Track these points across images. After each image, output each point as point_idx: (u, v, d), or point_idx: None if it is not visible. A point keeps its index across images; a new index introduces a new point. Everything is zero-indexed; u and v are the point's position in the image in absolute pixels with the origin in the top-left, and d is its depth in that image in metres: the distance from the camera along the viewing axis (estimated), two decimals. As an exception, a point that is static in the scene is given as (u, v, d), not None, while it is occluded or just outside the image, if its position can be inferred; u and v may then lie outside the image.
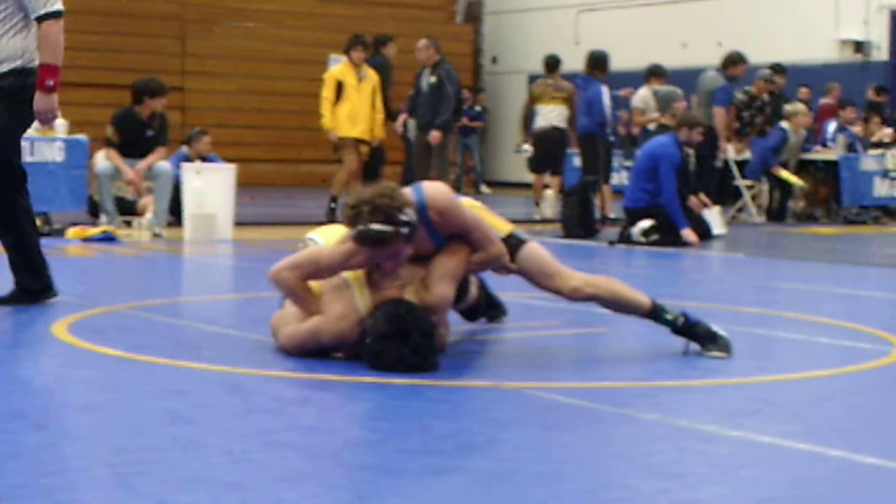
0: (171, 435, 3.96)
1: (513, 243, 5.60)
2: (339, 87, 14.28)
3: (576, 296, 5.61)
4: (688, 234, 11.96)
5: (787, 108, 16.90)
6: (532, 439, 4.01)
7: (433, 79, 14.60)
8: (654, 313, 5.67)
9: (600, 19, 25.03)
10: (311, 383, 4.87)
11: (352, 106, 14.19)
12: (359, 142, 14.24)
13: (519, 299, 7.40)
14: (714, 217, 13.09)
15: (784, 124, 16.61)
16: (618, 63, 21.84)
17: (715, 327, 5.65)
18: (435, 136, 14.37)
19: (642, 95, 16.15)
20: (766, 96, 16.99)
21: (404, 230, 5.02)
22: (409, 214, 5.05)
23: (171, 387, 4.77)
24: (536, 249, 5.65)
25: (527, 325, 6.57)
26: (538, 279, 5.62)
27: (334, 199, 14.10)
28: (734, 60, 15.41)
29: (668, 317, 5.64)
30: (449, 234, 5.32)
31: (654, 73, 16.24)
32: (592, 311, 7.16)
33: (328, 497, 3.31)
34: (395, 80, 15.11)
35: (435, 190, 5.31)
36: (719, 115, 15.20)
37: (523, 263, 5.59)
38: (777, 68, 17.73)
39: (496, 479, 3.51)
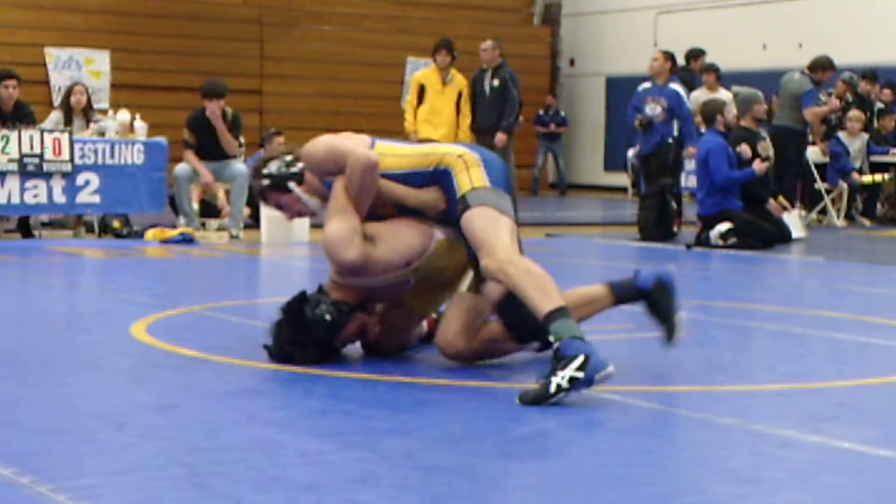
0: (247, 435, 3.98)
1: (460, 207, 5.10)
2: (423, 91, 14.33)
3: (484, 274, 5.03)
4: (759, 165, 12.10)
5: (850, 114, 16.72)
6: (607, 443, 3.99)
7: (496, 81, 14.54)
8: (545, 322, 4.68)
9: (679, 21, 24.87)
10: (386, 385, 4.87)
11: (431, 109, 14.21)
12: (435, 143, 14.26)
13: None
14: (794, 220, 12.96)
15: (840, 133, 16.46)
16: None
17: (580, 373, 4.48)
18: (501, 138, 14.31)
19: (700, 98, 15.94)
20: (849, 97, 16.78)
21: (265, 182, 5.44)
22: (270, 167, 5.42)
23: (247, 387, 4.80)
24: (474, 216, 5.02)
25: (602, 329, 6.53)
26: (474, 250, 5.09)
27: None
28: (823, 66, 15.24)
29: (550, 337, 4.65)
30: (323, 173, 5.33)
31: (706, 70, 16.09)
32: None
33: (402, 499, 3.31)
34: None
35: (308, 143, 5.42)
36: (813, 116, 15.08)
37: (463, 231, 5.08)
38: (869, 75, 17.47)
39: (570, 482, 3.49)
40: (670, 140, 13.58)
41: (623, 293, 5.38)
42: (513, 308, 5.00)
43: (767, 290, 9.12)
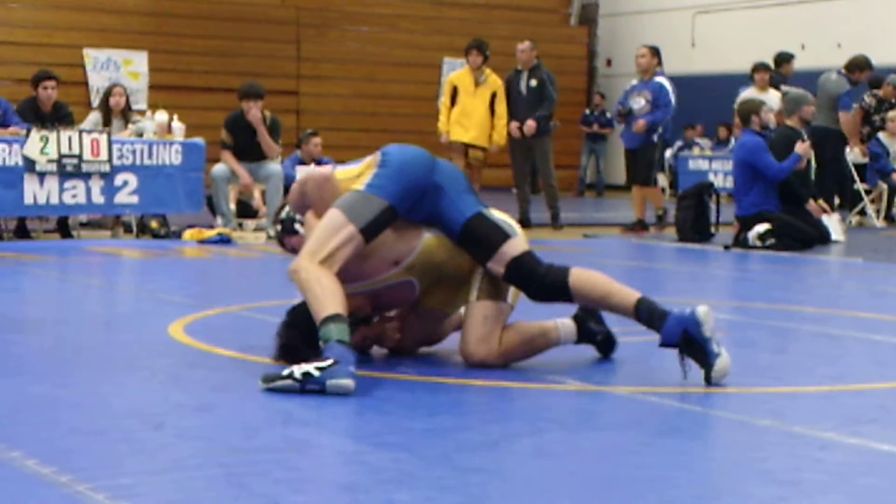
0: (284, 436, 3.99)
1: None
2: (455, 92, 14.35)
3: None
4: (802, 146, 12.14)
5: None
6: (644, 445, 3.98)
7: (534, 81, 14.53)
8: (319, 327, 4.74)
9: (717, 21, 24.79)
10: (423, 385, 4.87)
11: (462, 110, 14.23)
12: (470, 147, 14.27)
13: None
14: (834, 224, 12.89)
15: (880, 133, 16.35)
16: (734, 65, 21.66)
17: (317, 372, 4.58)
18: (531, 125, 14.27)
19: (750, 96, 15.88)
20: (893, 99, 16.68)
21: (277, 228, 5.61)
22: (281, 214, 5.56)
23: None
24: (324, 216, 5.06)
25: (639, 330, 6.51)
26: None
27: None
28: (861, 66, 15.17)
29: (320, 342, 4.70)
30: (305, 207, 5.37)
31: (758, 69, 16.01)
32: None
33: (439, 500, 3.31)
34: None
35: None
36: (845, 121, 15.00)
37: None
38: None
39: (608, 483, 3.48)
40: (655, 138, 13.66)
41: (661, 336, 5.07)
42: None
43: (806, 291, 9.07)
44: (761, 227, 11.86)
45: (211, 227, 12.16)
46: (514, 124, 14.64)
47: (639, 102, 13.80)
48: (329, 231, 4.97)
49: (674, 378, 5.20)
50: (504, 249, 5.07)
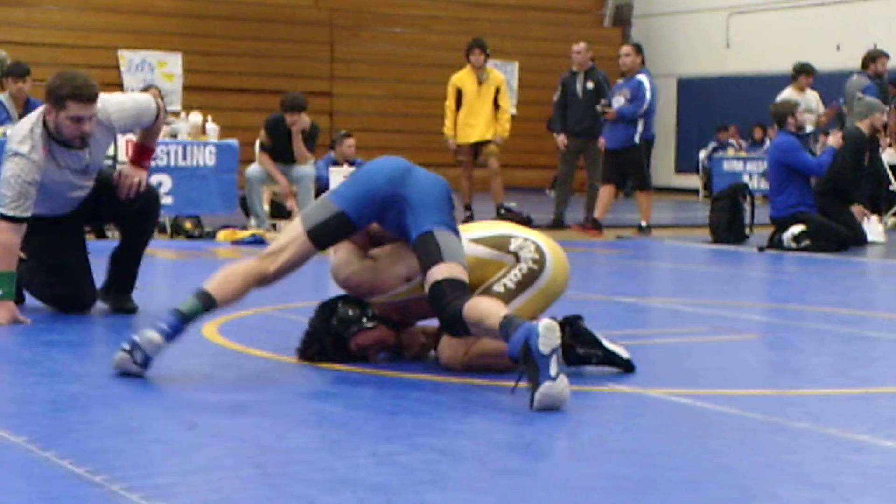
0: (318, 436, 4.00)
1: None
2: (460, 94, 14.37)
3: None
4: (834, 138, 12.07)
5: None
6: (678, 447, 3.96)
7: (590, 84, 14.50)
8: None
9: (751, 21, 24.70)
10: (457, 387, 4.87)
11: (469, 110, 14.28)
12: (479, 144, 14.32)
13: (666, 305, 7.34)
14: (874, 226, 12.82)
15: None
16: (769, 66, 21.60)
17: (138, 338, 4.82)
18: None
19: (790, 97, 15.78)
20: None
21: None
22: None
23: (317, 388, 4.82)
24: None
25: (673, 331, 6.50)
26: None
27: (468, 207, 14.25)
28: (872, 57, 15.10)
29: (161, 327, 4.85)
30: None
31: (803, 71, 15.91)
32: (741, 318, 7.06)
33: (473, 501, 3.31)
34: (543, 84, 15.03)
35: None
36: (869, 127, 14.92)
37: None
38: None
39: (641, 485, 3.47)
40: (636, 138, 13.51)
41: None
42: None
43: (841, 293, 9.02)
44: (796, 229, 11.81)
45: (244, 227, 12.19)
46: (562, 137, 14.58)
47: (619, 101, 13.68)
48: (286, 231, 5.21)
49: (709, 380, 5.18)
50: (431, 271, 4.92)
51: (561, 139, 14.64)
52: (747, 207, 13.13)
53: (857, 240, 12.16)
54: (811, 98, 15.20)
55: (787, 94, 15.58)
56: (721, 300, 8.02)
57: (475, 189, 14.86)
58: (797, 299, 8.36)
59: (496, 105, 14.36)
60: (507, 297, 5.06)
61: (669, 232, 14.73)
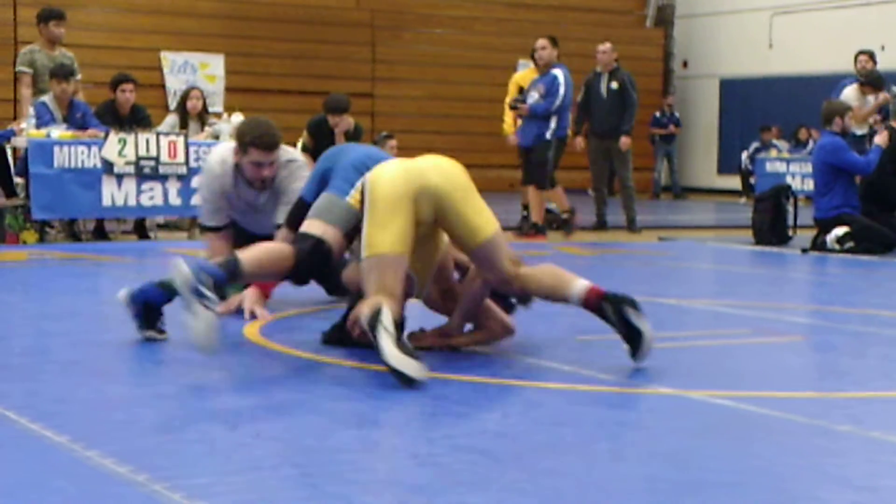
0: (358, 436, 4.00)
1: None
2: (521, 92, 14.32)
3: None
4: (882, 138, 12.02)
5: None
6: (720, 449, 3.94)
7: (614, 84, 14.44)
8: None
9: (794, 22, 24.56)
10: (497, 388, 4.86)
11: None
12: None
13: (709, 307, 7.31)
14: None
15: None
16: (812, 66, 21.48)
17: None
18: (626, 142, 14.22)
19: (852, 96, 15.60)
20: None
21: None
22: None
23: (358, 389, 4.82)
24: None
25: (716, 333, 6.47)
26: None
27: (525, 208, 14.16)
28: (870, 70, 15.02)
29: None
30: None
31: (871, 84, 15.73)
32: (784, 320, 7.02)
33: (513, 502, 3.30)
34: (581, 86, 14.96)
35: None
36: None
37: None
38: None
39: (682, 488, 3.46)
40: (548, 135, 13.04)
41: None
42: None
43: (885, 295, 8.95)
44: (840, 231, 11.73)
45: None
46: (579, 140, 14.54)
47: (533, 97, 13.21)
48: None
49: (751, 382, 5.16)
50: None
51: (577, 141, 14.56)
52: (790, 209, 13.05)
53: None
54: (870, 101, 15.11)
55: (849, 92, 15.45)
56: (764, 302, 7.97)
57: (512, 190, 14.77)
58: (841, 301, 8.31)
59: None
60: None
61: (712, 233, 14.67)
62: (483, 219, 5.32)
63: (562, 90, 13.04)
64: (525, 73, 14.54)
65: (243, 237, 6.75)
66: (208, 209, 6.83)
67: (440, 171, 5.34)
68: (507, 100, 14.39)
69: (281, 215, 6.50)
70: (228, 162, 6.69)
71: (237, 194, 6.77)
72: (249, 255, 5.36)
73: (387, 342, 4.69)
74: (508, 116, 14.32)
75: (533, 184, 13.31)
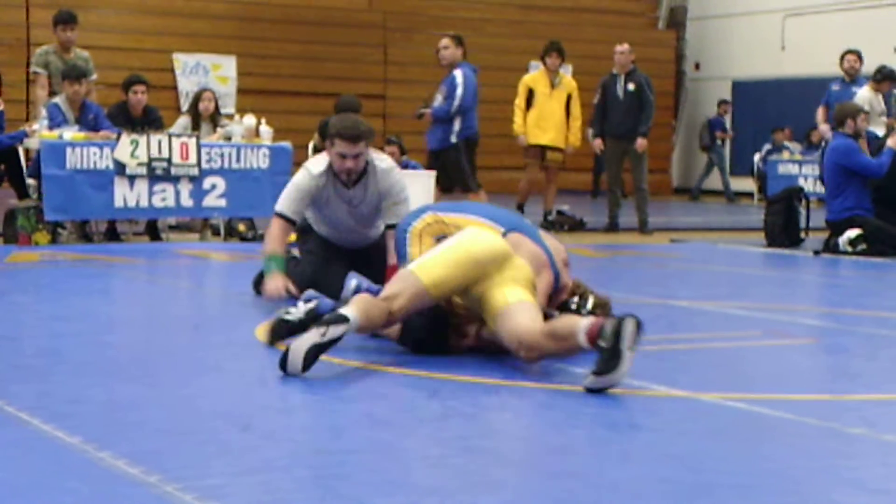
0: (370, 438, 4.00)
1: None
2: (531, 94, 14.33)
3: None
4: (894, 140, 11.97)
5: None
6: (732, 451, 3.94)
7: (631, 86, 14.41)
8: None
9: (807, 23, 24.52)
10: (508, 390, 4.86)
11: (540, 112, 14.21)
12: (548, 149, 14.26)
13: (720, 309, 7.30)
14: None
15: None
16: (824, 68, 21.40)
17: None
18: (642, 143, 14.20)
19: (867, 97, 15.53)
20: None
21: None
22: None
23: (369, 390, 4.83)
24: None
25: (728, 335, 6.46)
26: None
27: (520, 208, 14.14)
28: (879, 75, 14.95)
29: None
30: None
31: (888, 78, 15.65)
32: (796, 323, 7.01)
33: (525, 504, 3.30)
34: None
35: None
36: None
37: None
38: None
39: (694, 490, 3.45)
40: (453, 139, 12.63)
41: None
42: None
43: (897, 297, 8.93)
44: (852, 233, 11.70)
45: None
46: (598, 142, 14.54)
47: (437, 99, 12.95)
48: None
49: (763, 385, 5.15)
50: None
51: (597, 143, 14.57)
52: (802, 211, 13.03)
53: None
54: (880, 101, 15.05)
55: (864, 93, 15.39)
56: (776, 304, 7.96)
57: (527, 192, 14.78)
58: (853, 304, 8.29)
59: (567, 112, 14.30)
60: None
61: (724, 235, 14.65)
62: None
63: (459, 91, 12.67)
64: (536, 76, 14.55)
65: (336, 253, 7.26)
66: (290, 198, 7.18)
67: (515, 269, 5.40)
68: (517, 101, 14.40)
69: (391, 217, 6.98)
70: (323, 166, 7.09)
71: (335, 196, 7.14)
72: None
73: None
74: (518, 117, 14.34)
75: (457, 189, 12.69)
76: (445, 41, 13.03)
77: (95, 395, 4.58)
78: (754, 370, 5.55)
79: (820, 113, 15.11)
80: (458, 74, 12.72)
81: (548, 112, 14.20)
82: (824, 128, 14.91)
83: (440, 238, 5.71)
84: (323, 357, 5.32)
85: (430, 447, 3.88)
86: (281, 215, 7.21)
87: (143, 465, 3.51)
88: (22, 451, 3.73)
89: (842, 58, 15.09)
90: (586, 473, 3.63)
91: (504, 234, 5.61)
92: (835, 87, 14.97)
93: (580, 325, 4.87)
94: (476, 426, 4.22)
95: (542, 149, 14.30)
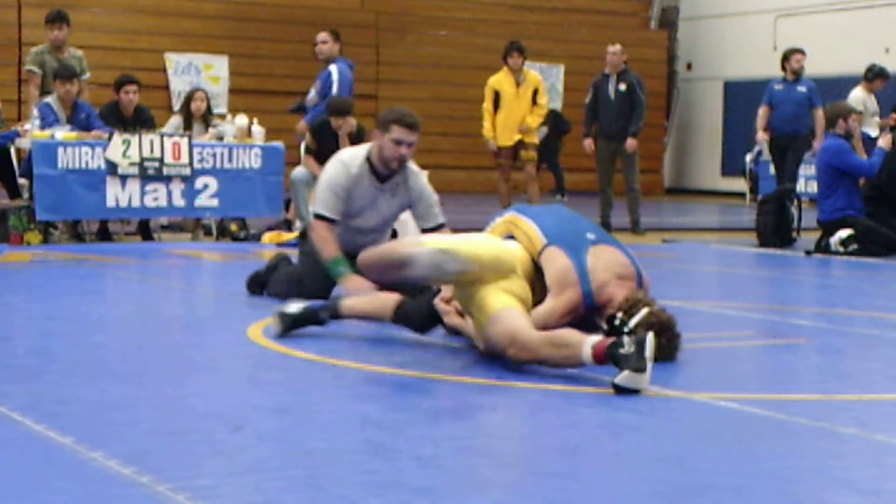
0: (361, 438, 4.00)
1: None
2: (498, 97, 14.33)
3: None
4: (885, 140, 11.98)
5: None
6: (724, 452, 3.94)
7: (623, 86, 14.41)
8: None
9: (799, 24, 24.54)
10: (501, 390, 4.86)
11: (508, 113, 14.20)
12: (521, 148, 14.24)
13: (712, 309, 7.30)
14: None
15: None
16: (816, 69, 21.43)
17: None
18: (632, 144, 14.20)
19: (860, 97, 15.54)
20: None
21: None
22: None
23: (362, 390, 4.83)
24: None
25: (720, 336, 6.46)
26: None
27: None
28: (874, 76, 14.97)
29: None
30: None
31: (880, 75, 15.65)
32: (788, 323, 7.02)
33: (517, 504, 3.30)
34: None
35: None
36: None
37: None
38: None
39: (686, 491, 3.45)
40: None
41: None
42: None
43: (889, 297, 8.95)
44: (844, 233, 11.72)
45: (290, 230, 12.23)
46: (588, 142, 14.53)
47: (311, 94, 12.91)
48: None
49: (755, 385, 5.16)
50: None
51: (587, 143, 14.57)
52: (794, 211, 13.04)
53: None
54: (874, 102, 15.07)
55: (857, 93, 15.39)
56: (768, 304, 7.97)
57: (516, 192, 14.79)
58: (845, 304, 8.30)
59: (534, 105, 14.30)
60: None
61: (716, 235, 14.66)
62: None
63: (335, 88, 12.71)
64: (500, 77, 14.49)
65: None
66: (329, 198, 7.00)
67: (513, 284, 5.46)
68: (485, 105, 14.40)
69: (430, 219, 7.07)
70: (361, 156, 7.05)
71: (368, 187, 7.06)
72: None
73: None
74: (487, 122, 14.34)
75: None
76: (324, 35, 13.16)
77: (87, 395, 4.58)
78: (746, 370, 5.55)
79: (761, 114, 14.70)
80: (334, 70, 12.87)
81: (517, 112, 14.17)
82: (762, 136, 14.69)
83: (508, 237, 5.77)
84: (316, 358, 5.33)
85: (422, 447, 3.87)
86: (323, 217, 7.01)
87: (134, 466, 3.51)
88: (13, 451, 3.73)
89: (787, 56, 14.81)
90: (579, 473, 3.63)
91: (543, 248, 5.58)
92: (777, 87, 14.73)
93: (588, 337, 4.90)
94: (468, 426, 4.22)
95: (513, 149, 14.30)
